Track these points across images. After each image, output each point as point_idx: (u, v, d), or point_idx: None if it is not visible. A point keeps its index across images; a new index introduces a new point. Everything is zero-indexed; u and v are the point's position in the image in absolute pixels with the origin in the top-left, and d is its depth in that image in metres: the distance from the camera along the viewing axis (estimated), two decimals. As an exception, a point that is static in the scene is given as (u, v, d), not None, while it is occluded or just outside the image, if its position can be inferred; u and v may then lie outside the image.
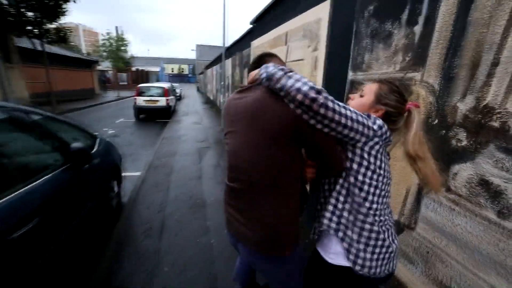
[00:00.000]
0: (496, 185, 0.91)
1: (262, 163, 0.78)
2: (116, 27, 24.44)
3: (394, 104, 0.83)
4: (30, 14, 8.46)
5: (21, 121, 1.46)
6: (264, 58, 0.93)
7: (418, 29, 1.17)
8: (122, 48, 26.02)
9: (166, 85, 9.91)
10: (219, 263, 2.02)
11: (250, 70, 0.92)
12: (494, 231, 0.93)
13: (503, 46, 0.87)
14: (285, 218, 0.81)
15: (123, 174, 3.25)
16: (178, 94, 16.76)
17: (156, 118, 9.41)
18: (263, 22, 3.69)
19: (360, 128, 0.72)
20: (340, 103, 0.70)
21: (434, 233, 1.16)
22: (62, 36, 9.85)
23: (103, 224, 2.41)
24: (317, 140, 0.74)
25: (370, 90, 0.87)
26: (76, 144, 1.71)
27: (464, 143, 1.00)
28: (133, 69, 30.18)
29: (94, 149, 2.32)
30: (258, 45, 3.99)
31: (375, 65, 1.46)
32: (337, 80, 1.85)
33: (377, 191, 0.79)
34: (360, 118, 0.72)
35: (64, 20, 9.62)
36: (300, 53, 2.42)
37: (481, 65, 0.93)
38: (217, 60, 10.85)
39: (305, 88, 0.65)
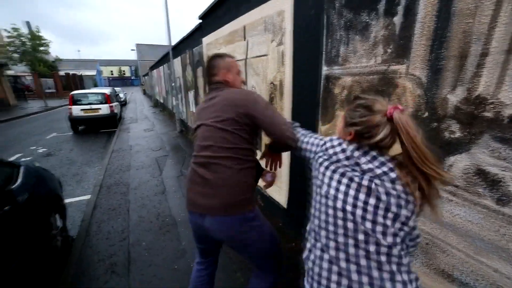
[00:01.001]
0: (493, 174, 0.93)
1: (230, 139, 1.03)
2: (27, 23, 20.24)
3: (358, 120, 0.73)
4: None
5: None
6: (214, 59, 1.22)
7: (398, 19, 1.13)
8: (41, 48, 22.07)
9: (107, 90, 8.73)
10: (206, 290, 1.78)
11: (207, 76, 1.21)
12: (494, 218, 0.95)
13: (491, 37, 0.86)
14: (248, 182, 1.06)
15: (66, 201, 2.67)
16: (122, 99, 15.06)
17: (99, 128, 8.23)
18: (214, 16, 3.42)
19: (309, 147, 0.92)
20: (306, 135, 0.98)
21: (432, 225, 1.16)
22: None
23: (45, 273, 1.91)
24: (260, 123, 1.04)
25: (343, 115, 0.83)
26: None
27: (458, 134, 1.00)
28: (62, 73, 25.91)
29: (18, 183, 1.79)
30: (211, 42, 3.71)
31: (353, 58, 1.41)
32: (309, 76, 1.77)
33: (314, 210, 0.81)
34: (312, 140, 0.93)
35: None
36: (263, 49, 2.28)
37: (469, 56, 0.92)
38: (164, 60, 10.00)
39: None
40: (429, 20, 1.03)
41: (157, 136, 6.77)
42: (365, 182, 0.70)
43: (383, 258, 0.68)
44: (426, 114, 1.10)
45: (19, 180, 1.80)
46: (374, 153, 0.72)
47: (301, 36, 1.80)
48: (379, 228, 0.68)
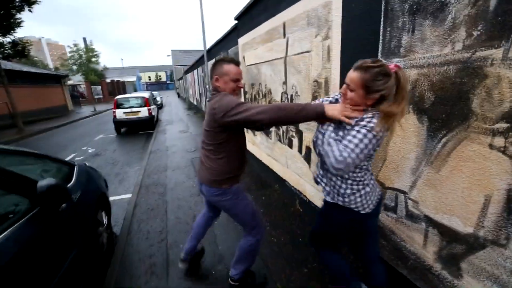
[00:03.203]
0: None
1: (210, 137, 1.38)
2: (84, 38, 23.32)
3: (383, 87, 0.94)
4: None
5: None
6: (214, 64, 1.45)
7: (494, -8, 0.91)
8: (93, 59, 24.75)
9: (146, 94, 9.32)
10: (245, 301, 1.68)
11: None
12: None
13: None
14: (223, 168, 1.41)
15: (111, 198, 2.82)
16: (159, 103, 16.03)
17: (139, 130, 8.81)
18: (251, 16, 3.36)
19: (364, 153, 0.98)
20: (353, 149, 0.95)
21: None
22: (20, 51, 8.91)
23: (93, 269, 1.99)
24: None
25: (355, 83, 0.96)
26: (45, 181, 1.30)
27: None
28: (108, 80, 28.65)
29: (72, 181, 1.89)
30: (247, 42, 3.66)
31: (420, 47, 1.20)
32: (362, 71, 1.58)
33: None
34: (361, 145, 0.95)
35: (23, 34, 8.81)
36: (306, 45, 2.13)
37: None
38: (198, 63, 10.38)
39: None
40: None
41: (191, 138, 6.98)
42: None
43: None
44: (534, 110, 0.86)
45: (73, 178, 1.92)
46: None
47: (352, 28, 1.62)
48: None
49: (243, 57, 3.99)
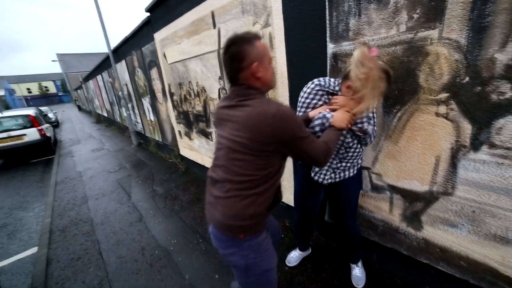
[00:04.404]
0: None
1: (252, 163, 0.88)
2: None
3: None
4: None
5: None
6: (236, 45, 0.86)
7: (427, -22, 1.02)
8: None
9: (30, 111, 7.13)
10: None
11: (226, 69, 0.91)
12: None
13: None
14: (256, 208, 0.91)
15: None
16: (53, 120, 12.75)
17: (29, 158, 6.72)
18: (168, 6, 2.96)
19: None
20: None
21: (479, 191, 1.12)
22: None
23: None
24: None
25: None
26: None
27: (509, 94, 0.94)
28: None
29: None
30: (167, 36, 3.24)
31: (368, 30, 1.27)
32: (312, 56, 1.59)
33: None
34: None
35: None
36: (243, 35, 2.01)
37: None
38: (101, 67, 8.71)
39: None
40: (465, -26, 0.94)
41: (111, 155, 5.84)
42: None
43: None
44: (467, 79, 1.03)
45: None
46: None
47: (295, 13, 1.60)
48: None
49: (164, 55, 3.52)
